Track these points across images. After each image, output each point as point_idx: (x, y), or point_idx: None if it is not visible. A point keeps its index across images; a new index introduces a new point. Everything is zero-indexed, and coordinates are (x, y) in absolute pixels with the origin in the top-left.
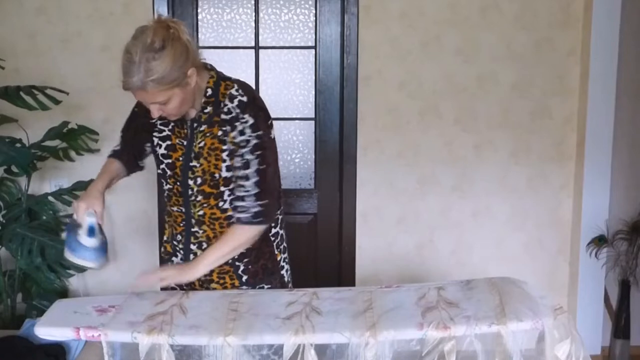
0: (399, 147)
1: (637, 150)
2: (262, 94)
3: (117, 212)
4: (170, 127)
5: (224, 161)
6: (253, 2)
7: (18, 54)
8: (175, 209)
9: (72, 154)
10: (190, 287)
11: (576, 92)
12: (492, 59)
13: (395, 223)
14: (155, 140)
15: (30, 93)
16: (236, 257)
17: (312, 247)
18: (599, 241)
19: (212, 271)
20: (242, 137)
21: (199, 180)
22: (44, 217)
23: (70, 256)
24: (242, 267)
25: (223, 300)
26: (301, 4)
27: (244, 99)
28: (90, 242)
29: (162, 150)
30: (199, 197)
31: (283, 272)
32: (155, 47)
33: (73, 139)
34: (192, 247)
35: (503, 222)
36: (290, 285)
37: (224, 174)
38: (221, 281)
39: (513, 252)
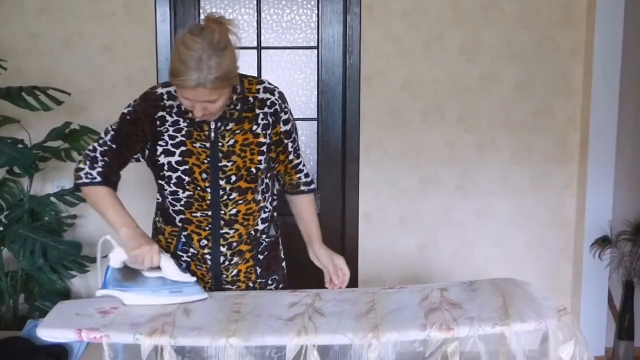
0: (402, 147)
1: None
2: None
3: None
4: (184, 132)
5: (262, 154)
6: (255, 2)
7: (20, 55)
8: (198, 214)
9: (75, 154)
10: (219, 287)
11: (579, 91)
12: (495, 58)
13: (398, 223)
14: (163, 148)
15: (33, 94)
16: (256, 250)
17: None
18: (603, 242)
19: (239, 271)
20: (289, 126)
21: (233, 179)
22: (47, 218)
23: (178, 299)
24: (261, 259)
25: (226, 302)
26: (304, 5)
27: (279, 89)
28: (188, 277)
29: (176, 158)
30: (234, 195)
31: (284, 264)
32: (220, 47)
33: (75, 140)
34: (222, 249)
35: (506, 223)
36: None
37: (262, 166)
38: (245, 279)
39: (516, 253)
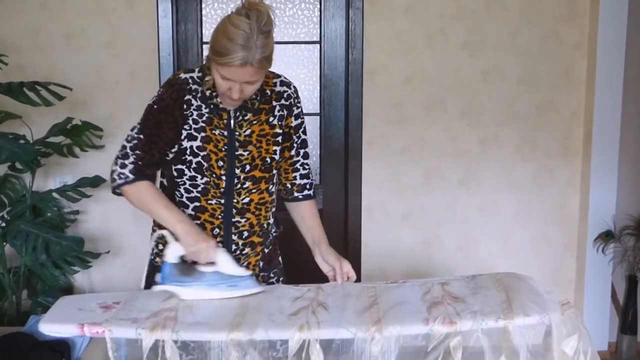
0: (405, 142)
1: None
2: None
3: (123, 209)
4: (205, 117)
5: (277, 144)
6: None
7: (21, 50)
8: (213, 202)
9: (77, 150)
10: None
11: (583, 86)
12: (498, 53)
13: (401, 218)
14: (187, 132)
15: (34, 89)
16: (265, 243)
17: None
18: (606, 237)
19: (249, 263)
20: (299, 121)
21: (247, 168)
22: (49, 214)
23: (233, 293)
24: (265, 253)
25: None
26: None
27: (294, 84)
28: (242, 271)
29: (197, 143)
30: (247, 184)
31: (280, 258)
32: (266, 28)
33: (77, 135)
34: (234, 237)
35: (509, 218)
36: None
37: (277, 156)
38: (252, 271)
39: (519, 248)
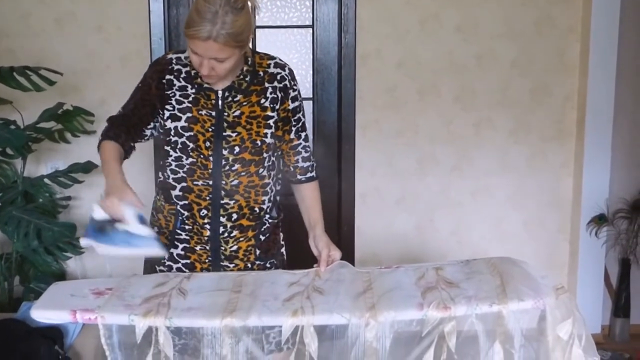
0: (398, 127)
1: (637, 129)
2: None
3: None
4: (191, 98)
5: (269, 127)
6: None
7: (11, 35)
8: (200, 182)
9: (68, 135)
10: (217, 263)
11: (576, 69)
12: (492, 36)
13: (395, 203)
14: (170, 112)
15: (24, 74)
16: (258, 229)
17: None
18: (599, 220)
19: (239, 247)
20: (297, 103)
21: (236, 149)
22: (40, 200)
23: (127, 251)
24: (261, 240)
25: (223, 282)
26: None
27: (289, 66)
28: (146, 230)
29: (182, 123)
30: (236, 166)
31: (283, 250)
32: (237, 6)
33: (68, 121)
34: (222, 219)
35: (503, 202)
36: (285, 265)
37: (268, 140)
38: (244, 258)
39: (513, 232)
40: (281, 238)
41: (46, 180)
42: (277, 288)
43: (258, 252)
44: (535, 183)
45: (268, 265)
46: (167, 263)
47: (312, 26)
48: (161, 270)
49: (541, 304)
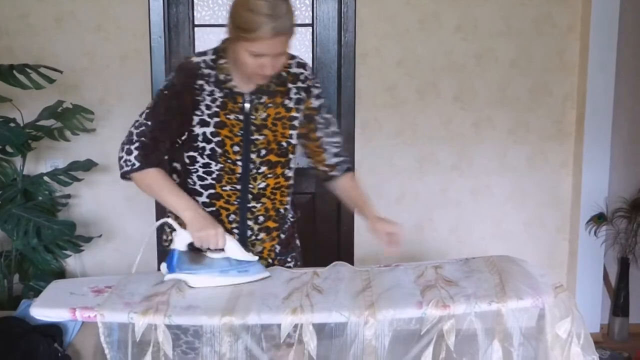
0: (397, 126)
1: (637, 128)
2: None
3: (114, 193)
4: (218, 102)
5: (293, 128)
6: None
7: (11, 33)
8: (227, 187)
9: (68, 133)
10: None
11: (576, 68)
12: (491, 36)
13: (394, 202)
14: (200, 118)
15: (24, 72)
16: (282, 228)
17: (310, 227)
18: (599, 219)
19: (264, 247)
20: (320, 101)
21: (262, 152)
22: (40, 198)
23: (243, 279)
24: (282, 238)
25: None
26: None
27: (309, 65)
28: (250, 255)
29: (210, 129)
30: (263, 169)
31: (297, 242)
32: None
33: (68, 119)
34: (249, 222)
35: (502, 201)
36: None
37: (293, 140)
38: (267, 256)
39: (512, 231)
40: (295, 231)
41: (46, 178)
42: (277, 286)
43: (279, 248)
44: (534, 182)
45: (289, 259)
46: None
47: (312, 25)
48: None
49: (540, 302)
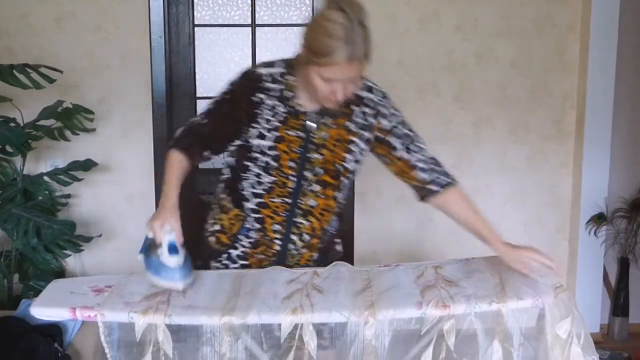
0: None
1: (637, 128)
2: None
3: (114, 193)
4: (280, 117)
5: (350, 152)
6: None
7: (11, 33)
8: (277, 200)
9: (68, 133)
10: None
11: (576, 68)
12: (491, 35)
13: (394, 202)
14: (258, 131)
15: (24, 72)
16: (323, 241)
17: None
18: (599, 219)
19: (302, 258)
20: (392, 122)
21: (318, 171)
22: (40, 197)
23: (155, 280)
24: (321, 247)
25: (222, 280)
26: None
27: (381, 88)
28: (173, 261)
29: (268, 142)
30: (316, 188)
31: (338, 247)
32: (364, 23)
33: (68, 118)
34: (293, 237)
35: (502, 201)
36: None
37: (348, 165)
38: (305, 265)
39: (512, 231)
40: (337, 238)
41: (46, 178)
42: (277, 286)
43: (317, 255)
44: (534, 182)
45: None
46: (224, 262)
47: None
48: (217, 268)
49: (540, 302)
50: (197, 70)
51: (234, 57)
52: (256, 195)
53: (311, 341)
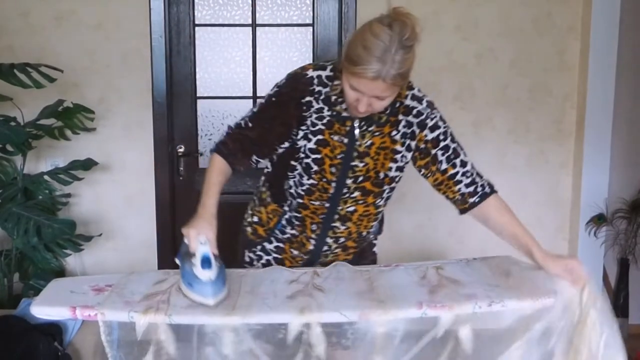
0: None
1: (636, 128)
2: (259, 73)
3: (115, 192)
4: (325, 121)
5: (394, 161)
6: None
7: (11, 32)
8: (317, 203)
9: (68, 132)
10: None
11: (576, 68)
12: (491, 35)
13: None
14: (304, 133)
15: (25, 71)
16: (360, 246)
17: None
18: (598, 220)
19: (336, 259)
20: (437, 133)
21: (360, 178)
22: (40, 197)
23: (186, 291)
24: (357, 250)
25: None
26: None
27: (428, 97)
28: (205, 275)
29: (311, 145)
30: (356, 194)
31: (375, 249)
32: (408, 43)
33: (68, 118)
34: (328, 239)
35: None
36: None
37: (392, 173)
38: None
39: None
40: (375, 243)
41: (46, 177)
42: (277, 286)
43: (351, 257)
44: (534, 182)
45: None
46: (258, 252)
47: (312, 25)
48: (250, 258)
49: (540, 303)
50: (197, 70)
51: (234, 57)
52: (297, 195)
53: (320, 342)
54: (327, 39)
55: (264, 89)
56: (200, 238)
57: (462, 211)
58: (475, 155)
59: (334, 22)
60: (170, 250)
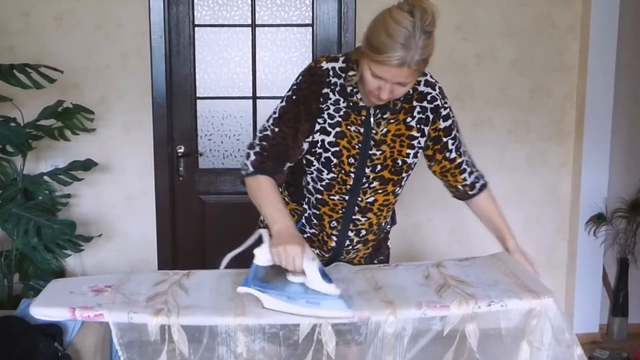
0: None
1: (636, 128)
2: (259, 73)
3: (114, 193)
4: (342, 112)
5: (412, 147)
6: None
7: (11, 32)
8: (336, 197)
9: (68, 133)
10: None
11: (575, 69)
12: (491, 36)
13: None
14: (321, 126)
15: (24, 71)
16: (379, 238)
17: None
18: (598, 219)
19: (357, 255)
20: (449, 121)
21: (378, 167)
22: (40, 197)
23: (311, 310)
24: (375, 243)
25: (222, 280)
26: None
27: (439, 84)
28: (332, 289)
29: (330, 138)
30: (374, 184)
31: (389, 242)
32: (429, 30)
33: (68, 118)
34: (350, 233)
35: (502, 201)
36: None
37: (410, 160)
38: (358, 262)
39: (512, 230)
40: (389, 235)
41: (46, 178)
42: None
43: (370, 251)
44: (534, 182)
45: (375, 262)
46: None
47: (312, 25)
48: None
49: (540, 303)
50: (197, 70)
51: (234, 57)
52: (316, 191)
53: (330, 341)
54: (327, 39)
55: (264, 89)
56: (307, 255)
57: (461, 199)
58: (475, 155)
59: (334, 22)
60: (170, 250)
